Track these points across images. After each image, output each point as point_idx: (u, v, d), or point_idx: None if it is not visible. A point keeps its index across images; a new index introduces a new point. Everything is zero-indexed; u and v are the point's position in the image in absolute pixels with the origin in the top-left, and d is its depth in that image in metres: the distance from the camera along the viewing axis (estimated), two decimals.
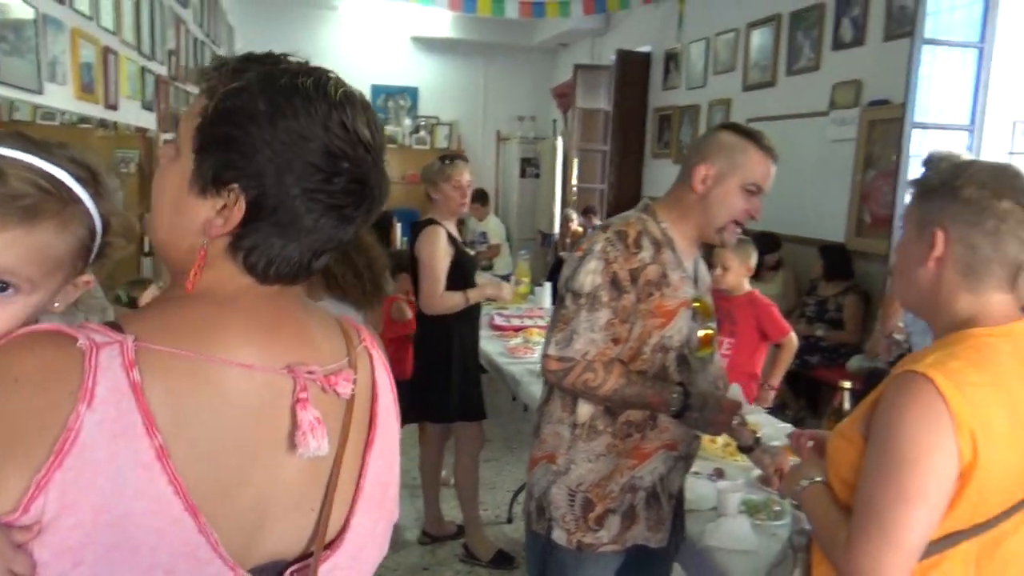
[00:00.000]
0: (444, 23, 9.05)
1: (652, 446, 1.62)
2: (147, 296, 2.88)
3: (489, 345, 3.64)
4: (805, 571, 1.29)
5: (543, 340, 3.52)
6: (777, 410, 4.84)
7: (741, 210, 1.60)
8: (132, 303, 2.46)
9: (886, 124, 4.54)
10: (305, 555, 0.75)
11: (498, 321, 4.01)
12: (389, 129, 9.07)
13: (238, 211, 0.69)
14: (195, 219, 0.70)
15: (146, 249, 4.42)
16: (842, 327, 4.67)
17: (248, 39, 8.81)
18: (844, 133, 4.94)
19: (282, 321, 0.74)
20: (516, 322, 4.02)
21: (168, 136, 5.05)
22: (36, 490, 0.59)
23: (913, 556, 1.06)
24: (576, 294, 1.53)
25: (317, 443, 0.71)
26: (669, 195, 1.67)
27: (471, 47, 9.54)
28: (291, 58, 0.75)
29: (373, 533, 0.82)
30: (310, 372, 0.73)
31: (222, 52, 7.43)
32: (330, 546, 0.77)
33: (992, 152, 4.21)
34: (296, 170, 0.69)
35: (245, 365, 0.69)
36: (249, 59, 0.73)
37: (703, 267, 1.75)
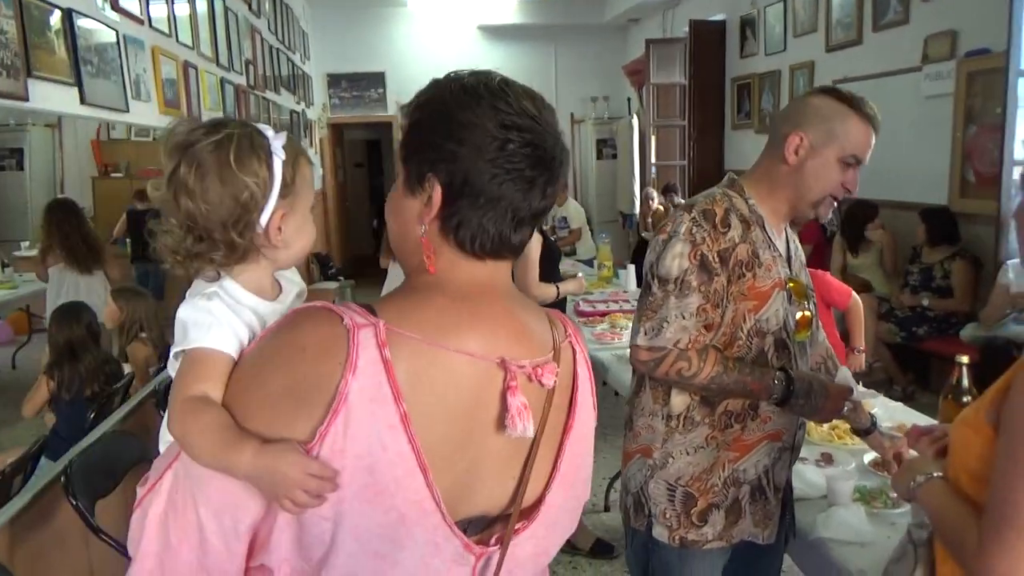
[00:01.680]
0: (510, 9, 9.00)
1: (754, 437, 1.53)
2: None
3: None
4: (929, 569, 1.19)
5: (629, 324, 3.52)
6: (883, 384, 4.63)
7: (837, 183, 1.48)
8: None
9: (987, 75, 4.23)
10: (504, 515, 0.87)
11: (583, 307, 3.95)
12: None
13: (437, 195, 0.82)
14: (411, 216, 0.85)
15: None
16: (951, 295, 4.40)
17: (323, 44, 8.99)
18: (940, 88, 4.63)
19: (501, 317, 0.86)
20: (601, 307, 3.95)
21: None
22: (318, 440, 0.74)
23: None
24: (663, 280, 1.46)
25: (524, 425, 0.82)
26: (756, 168, 1.57)
27: (539, 31, 9.45)
28: (462, 70, 0.86)
29: (564, 509, 0.93)
30: (520, 365, 0.84)
31: (297, 58, 7.60)
32: (528, 516, 0.88)
33: None
34: (474, 145, 0.80)
35: (469, 354, 0.81)
36: (431, 83, 0.86)
37: (796, 244, 1.64)
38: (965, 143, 4.49)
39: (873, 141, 1.48)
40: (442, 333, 0.81)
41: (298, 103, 7.51)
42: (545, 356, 0.88)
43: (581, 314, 3.89)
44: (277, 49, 6.38)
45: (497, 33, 9.42)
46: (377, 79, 9.33)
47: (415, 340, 0.79)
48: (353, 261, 9.83)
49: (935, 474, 1.18)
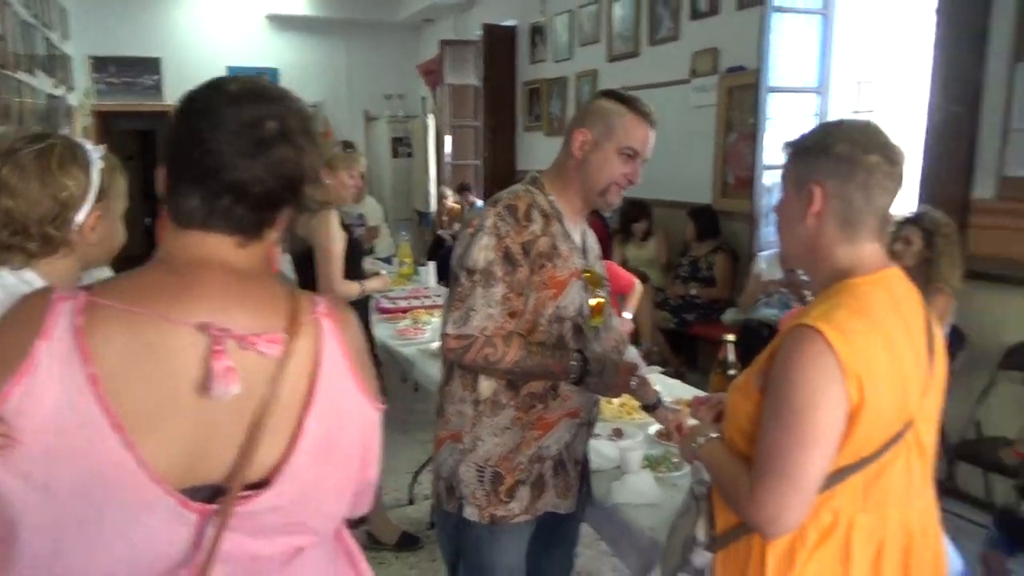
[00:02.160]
0: (299, 0, 8.70)
1: (555, 415, 1.64)
2: None
3: (378, 329, 3.58)
4: (709, 518, 1.35)
5: (431, 319, 3.57)
6: (657, 365, 5.07)
7: (620, 174, 1.62)
8: None
9: (743, 89, 4.78)
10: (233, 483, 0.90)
11: (384, 304, 3.94)
12: None
13: (162, 176, 0.92)
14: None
15: None
16: (714, 284, 4.92)
17: (86, 23, 8.13)
18: (705, 99, 5.16)
19: (213, 287, 0.89)
20: (403, 304, 3.97)
21: None
22: (1, 397, 0.79)
23: (812, 494, 1.14)
24: (470, 271, 1.52)
25: (225, 387, 0.84)
26: (553, 166, 1.68)
27: (331, 25, 9.23)
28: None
29: (322, 486, 0.94)
30: (223, 329, 0.86)
31: (55, 36, 6.81)
32: (262, 486, 0.89)
33: (839, 112, 4.52)
34: (175, 122, 0.92)
35: (168, 319, 0.85)
36: None
37: (591, 237, 1.77)
38: (726, 149, 5.04)
39: (651, 136, 1.64)
40: (143, 300, 0.86)
41: (57, 87, 6.73)
42: (268, 327, 0.90)
43: (383, 311, 3.88)
44: (31, 24, 5.68)
45: (286, 24, 9.07)
46: (152, 65, 8.60)
47: (115, 308, 0.84)
48: (124, 262, 8.98)
49: (713, 435, 1.33)
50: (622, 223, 5.44)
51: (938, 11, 3.29)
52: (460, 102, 8.20)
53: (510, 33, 7.67)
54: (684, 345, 5.12)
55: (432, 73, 8.77)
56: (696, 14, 5.19)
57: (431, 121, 9.16)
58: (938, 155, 3.40)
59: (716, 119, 5.06)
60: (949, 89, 3.34)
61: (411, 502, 3.55)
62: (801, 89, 4.49)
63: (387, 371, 3.76)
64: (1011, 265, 3.41)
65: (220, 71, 8.53)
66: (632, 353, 1.75)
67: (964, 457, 3.16)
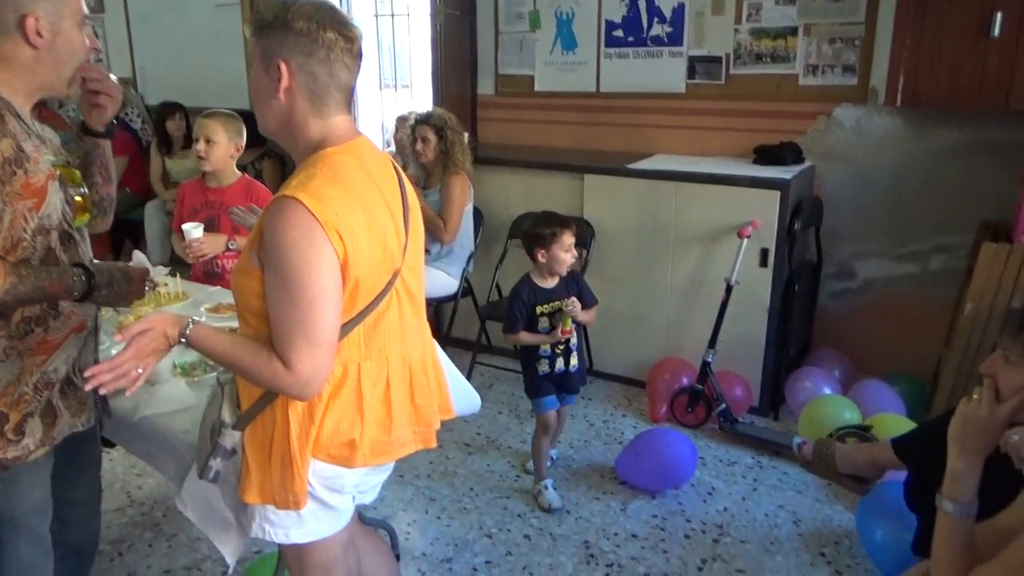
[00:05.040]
0: None
1: (60, 335, 1.46)
2: None
3: None
4: (233, 398, 1.38)
5: None
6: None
7: (85, 48, 1.43)
8: None
9: None
10: None
11: None
12: None
13: None
14: None
15: None
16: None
17: None
18: None
19: None
20: None
21: None
22: None
23: (334, 345, 1.24)
24: None
25: None
26: None
27: None
28: None
29: None
30: None
31: None
32: None
33: (361, 14, 4.67)
34: None
35: None
36: None
37: (48, 130, 1.52)
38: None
39: None
40: None
41: None
42: None
43: None
44: None
45: None
46: None
47: None
48: None
49: (193, 322, 1.29)
50: (156, 127, 4.96)
51: None
52: None
53: None
54: None
55: None
56: None
57: None
58: (446, 57, 3.76)
59: (241, 17, 4.83)
60: None
61: None
62: None
63: None
64: (511, 151, 4.00)
65: None
66: (139, 258, 1.62)
67: (491, 317, 3.69)
